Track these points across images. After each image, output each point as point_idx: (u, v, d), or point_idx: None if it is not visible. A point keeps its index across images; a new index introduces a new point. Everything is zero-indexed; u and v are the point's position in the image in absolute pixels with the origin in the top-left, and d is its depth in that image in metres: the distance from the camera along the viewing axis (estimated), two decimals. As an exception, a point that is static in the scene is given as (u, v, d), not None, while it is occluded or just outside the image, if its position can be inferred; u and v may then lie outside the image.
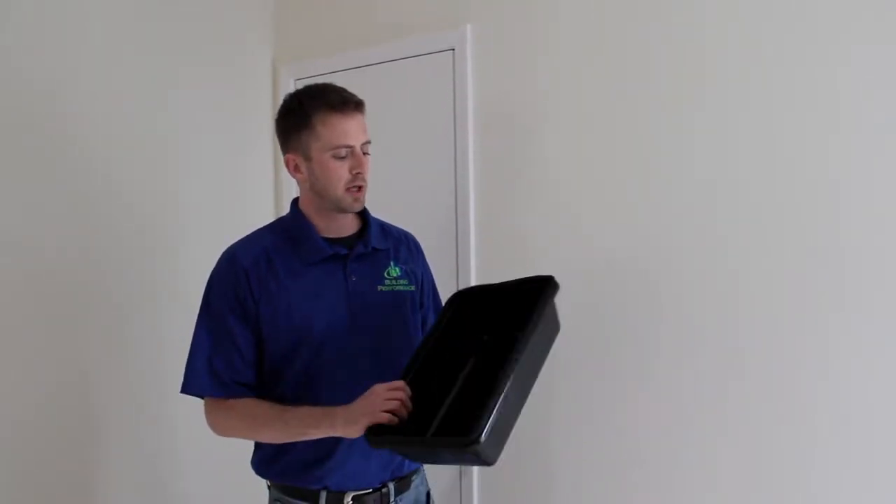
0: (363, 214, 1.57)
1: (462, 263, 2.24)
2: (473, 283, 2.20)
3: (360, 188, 1.45)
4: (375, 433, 1.30)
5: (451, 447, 1.28)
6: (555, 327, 1.45)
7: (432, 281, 1.69)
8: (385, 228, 1.60)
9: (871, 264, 1.64)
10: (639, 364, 1.93)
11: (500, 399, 1.23)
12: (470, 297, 1.55)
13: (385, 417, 1.28)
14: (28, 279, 1.88)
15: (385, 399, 1.30)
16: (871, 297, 1.64)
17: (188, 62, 2.36)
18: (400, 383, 1.34)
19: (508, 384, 1.25)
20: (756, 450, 1.77)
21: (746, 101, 1.78)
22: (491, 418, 1.21)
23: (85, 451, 2.02)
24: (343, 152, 1.42)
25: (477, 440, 1.18)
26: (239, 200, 2.53)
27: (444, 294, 1.69)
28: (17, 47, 1.88)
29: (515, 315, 1.39)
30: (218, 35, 2.49)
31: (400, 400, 1.30)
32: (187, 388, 1.45)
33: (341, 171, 1.43)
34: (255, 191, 2.61)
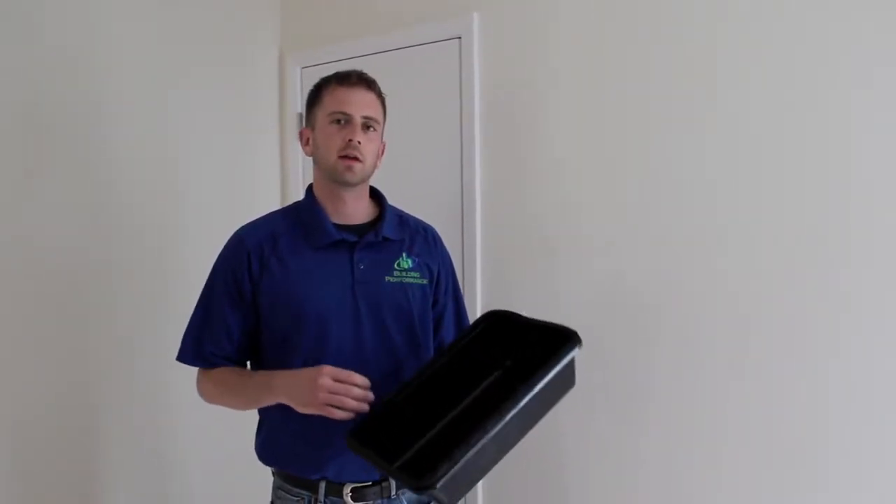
0: (380, 203, 1.57)
1: (468, 251, 2.25)
2: (479, 270, 2.22)
3: (353, 158, 1.45)
4: (355, 433, 1.29)
5: (408, 486, 1.27)
6: (567, 383, 1.38)
7: (452, 277, 1.65)
8: (403, 219, 1.59)
9: (881, 265, 1.63)
10: (643, 358, 1.94)
11: (472, 451, 1.21)
12: (502, 320, 1.49)
13: (337, 414, 1.29)
14: (34, 278, 1.89)
15: (330, 391, 1.29)
16: (882, 298, 1.63)
17: (194, 50, 2.36)
18: (347, 374, 1.32)
19: (485, 439, 1.23)
20: (761, 451, 1.77)
21: (760, 85, 1.76)
22: (454, 469, 1.19)
23: (88, 450, 2.02)
24: (340, 118, 1.45)
25: (432, 485, 1.19)
26: (246, 194, 2.52)
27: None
28: (19, 47, 1.87)
29: (536, 354, 1.36)
30: (224, 23, 2.48)
31: (347, 396, 1.30)
32: (179, 357, 1.52)
33: (336, 137, 1.45)
34: (261, 184, 2.59)
